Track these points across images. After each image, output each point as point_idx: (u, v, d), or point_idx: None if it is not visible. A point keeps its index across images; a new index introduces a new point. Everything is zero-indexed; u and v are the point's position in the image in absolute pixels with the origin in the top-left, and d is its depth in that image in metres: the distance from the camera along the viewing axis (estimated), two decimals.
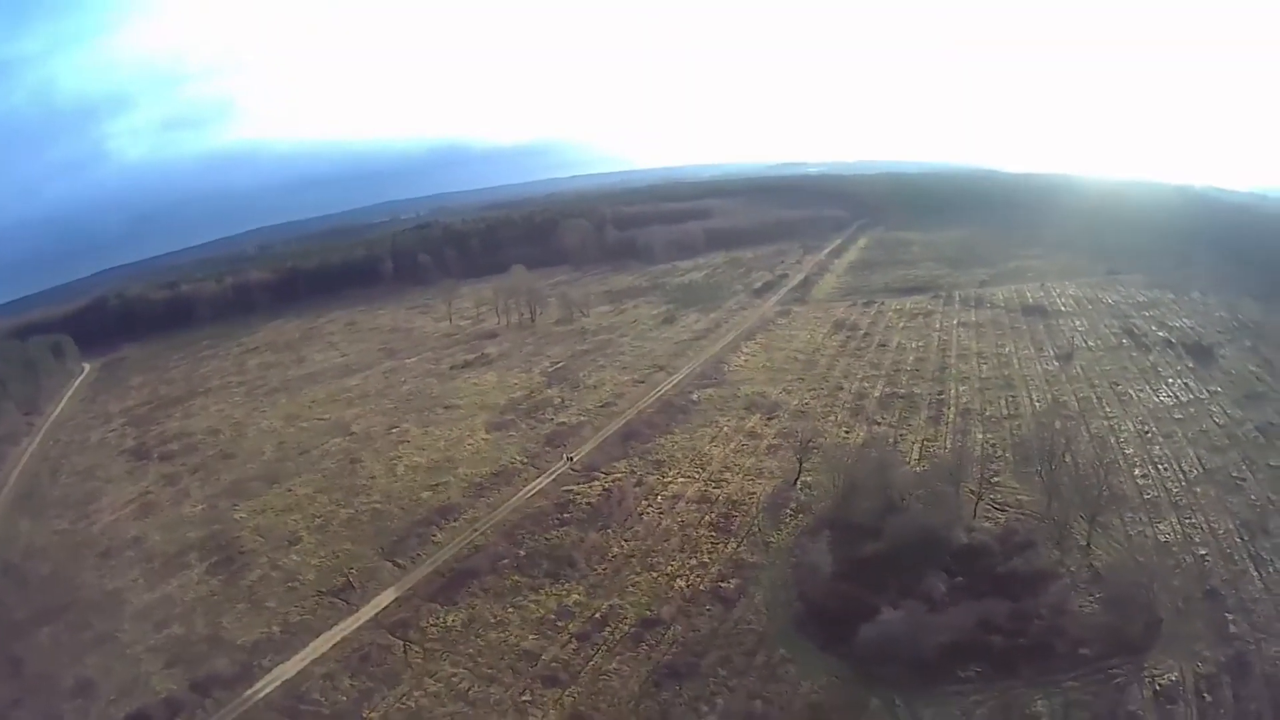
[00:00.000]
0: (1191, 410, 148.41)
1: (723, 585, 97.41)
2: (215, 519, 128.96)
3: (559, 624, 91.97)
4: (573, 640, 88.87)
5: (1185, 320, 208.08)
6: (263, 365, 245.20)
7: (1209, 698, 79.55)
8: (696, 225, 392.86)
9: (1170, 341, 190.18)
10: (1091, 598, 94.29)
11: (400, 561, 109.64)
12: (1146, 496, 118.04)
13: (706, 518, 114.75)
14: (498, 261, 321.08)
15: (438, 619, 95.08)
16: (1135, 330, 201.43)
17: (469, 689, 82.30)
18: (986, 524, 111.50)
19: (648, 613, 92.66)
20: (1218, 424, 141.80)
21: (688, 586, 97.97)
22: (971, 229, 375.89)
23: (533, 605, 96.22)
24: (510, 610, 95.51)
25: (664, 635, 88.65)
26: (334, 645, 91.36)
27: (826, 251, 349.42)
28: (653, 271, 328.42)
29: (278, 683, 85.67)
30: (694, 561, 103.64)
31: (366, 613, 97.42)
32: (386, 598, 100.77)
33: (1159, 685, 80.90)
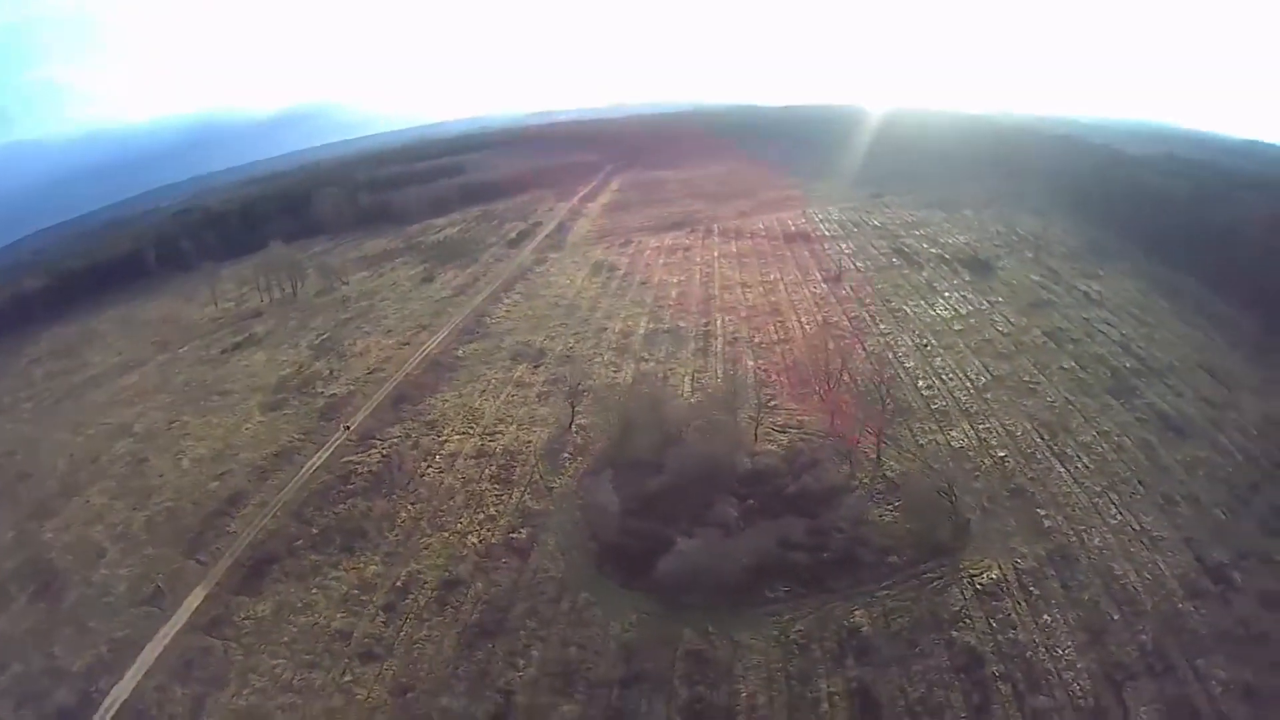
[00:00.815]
0: (972, 321, 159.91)
1: (514, 536, 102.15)
2: (26, 543, 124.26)
3: (363, 598, 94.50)
4: (380, 613, 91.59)
5: (959, 237, 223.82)
6: (48, 375, 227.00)
7: (1036, 590, 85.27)
8: (450, 182, 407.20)
9: (944, 257, 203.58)
10: (890, 507, 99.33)
11: (202, 558, 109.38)
12: (934, 406, 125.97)
13: (487, 471, 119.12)
14: (258, 239, 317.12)
15: (248, 611, 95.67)
16: (906, 249, 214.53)
17: (292, 678, 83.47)
18: (770, 446, 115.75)
19: (446, 574, 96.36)
20: (1002, 333, 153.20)
21: (480, 542, 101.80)
22: (730, 165, 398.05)
23: (334, 583, 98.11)
24: (315, 592, 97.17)
25: (467, 594, 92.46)
26: (158, 656, 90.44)
27: (580, 196, 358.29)
28: (408, 232, 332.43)
29: (116, 706, 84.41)
30: (481, 516, 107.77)
31: (181, 617, 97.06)
32: (196, 598, 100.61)
33: (980, 584, 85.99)
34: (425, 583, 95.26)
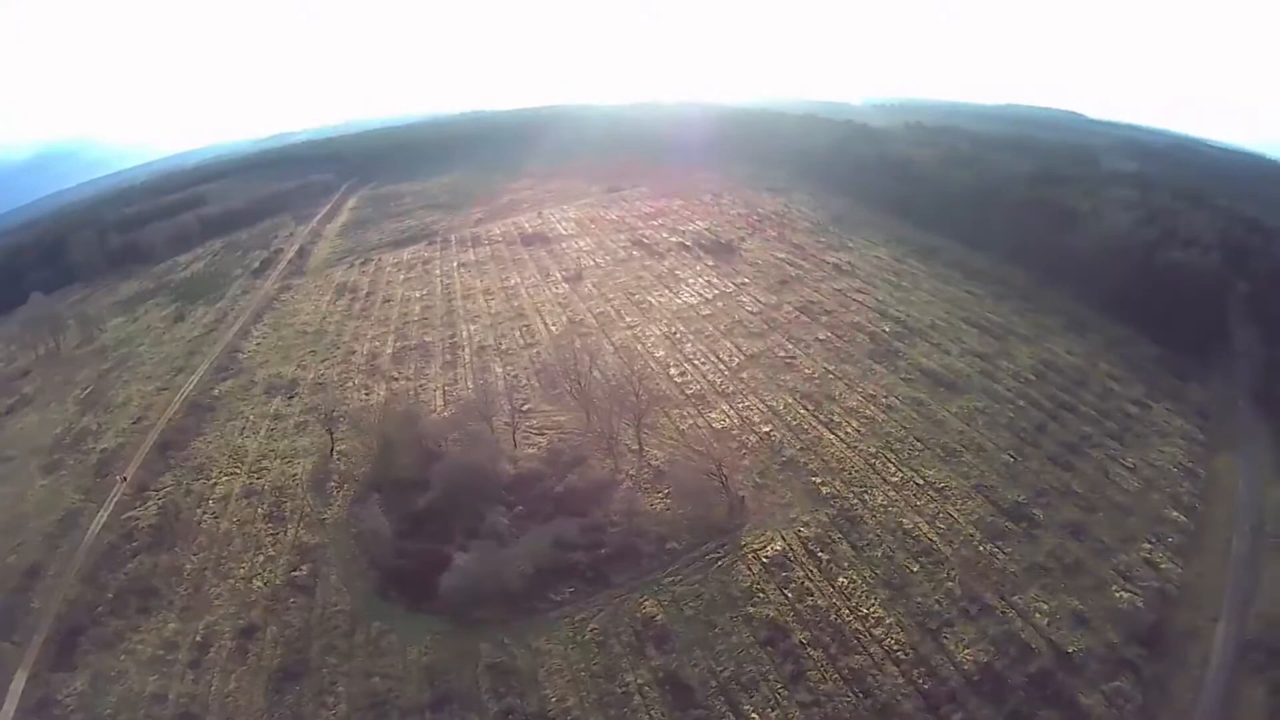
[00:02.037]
0: (720, 305, 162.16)
1: (296, 574, 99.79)
2: None
3: (169, 659, 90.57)
4: (188, 671, 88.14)
5: (699, 223, 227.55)
6: None
7: (824, 555, 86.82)
8: (191, 215, 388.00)
9: (685, 245, 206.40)
10: (661, 495, 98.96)
11: (16, 639, 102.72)
12: (690, 392, 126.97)
13: (259, 510, 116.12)
14: (19, 292, 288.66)
15: (68, 689, 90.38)
16: (645, 240, 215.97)
17: None
18: (530, 450, 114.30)
19: (240, 622, 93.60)
20: (751, 313, 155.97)
21: (265, 585, 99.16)
22: (462, 172, 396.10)
23: (140, 647, 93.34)
24: (123, 658, 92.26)
25: (264, 640, 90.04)
26: None
27: (318, 218, 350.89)
28: (156, 271, 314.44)
29: None
30: (261, 558, 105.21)
31: (10, 705, 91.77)
32: (19, 682, 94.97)
33: (765, 557, 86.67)
34: (223, 633, 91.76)
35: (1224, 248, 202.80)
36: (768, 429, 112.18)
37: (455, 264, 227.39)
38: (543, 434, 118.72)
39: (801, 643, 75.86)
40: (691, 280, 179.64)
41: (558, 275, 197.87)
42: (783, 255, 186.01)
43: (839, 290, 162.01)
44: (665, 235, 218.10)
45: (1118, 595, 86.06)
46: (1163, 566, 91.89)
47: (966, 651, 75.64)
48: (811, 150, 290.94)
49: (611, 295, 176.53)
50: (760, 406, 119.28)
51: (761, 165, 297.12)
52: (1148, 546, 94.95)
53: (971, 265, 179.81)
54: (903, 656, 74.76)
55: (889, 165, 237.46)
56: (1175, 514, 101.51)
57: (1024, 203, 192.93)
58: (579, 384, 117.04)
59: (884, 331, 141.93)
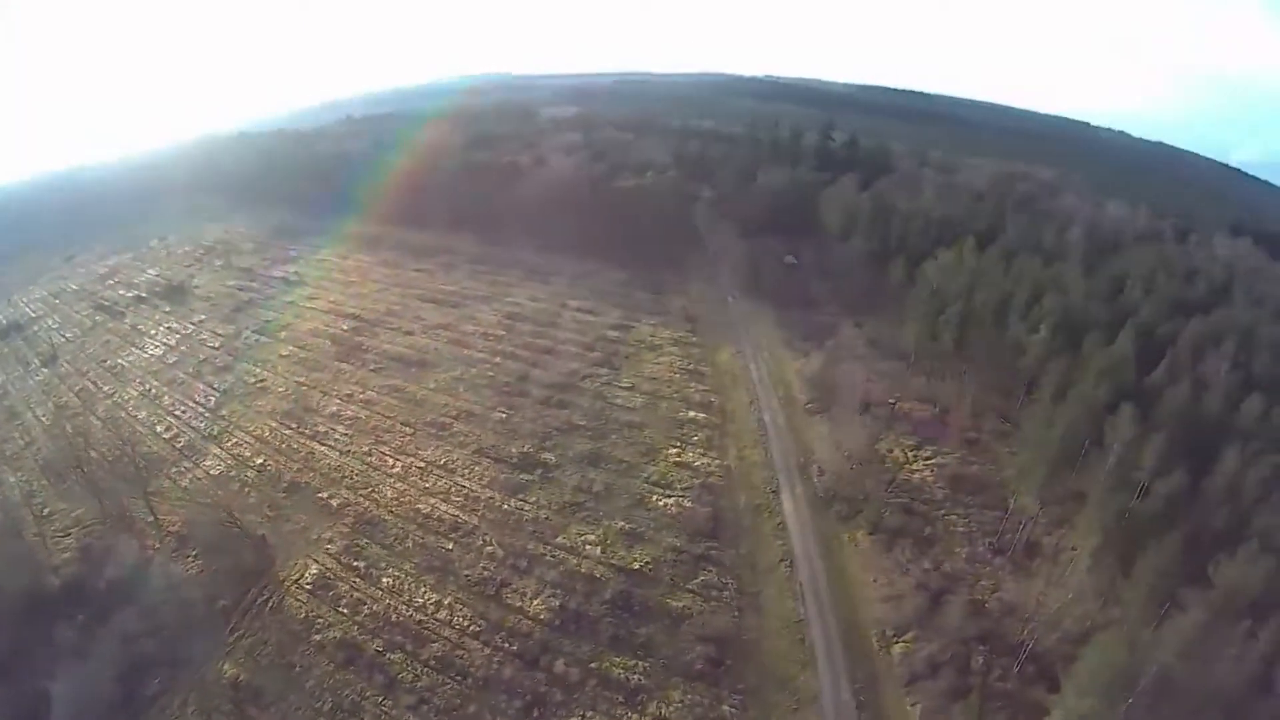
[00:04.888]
0: (184, 349, 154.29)
1: None
2: None
3: None
4: None
5: (150, 271, 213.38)
6: None
7: (360, 563, 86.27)
8: None
9: (142, 297, 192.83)
10: (190, 558, 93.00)
11: None
12: (180, 445, 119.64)
13: None
14: None
15: None
16: (105, 303, 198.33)
17: None
18: (66, 555, 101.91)
19: None
20: (215, 348, 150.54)
21: None
22: None
23: None
24: None
25: None
26: None
27: None
28: None
29: None
30: None
31: None
32: None
33: (307, 584, 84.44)
34: None
35: (681, 165, 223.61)
36: (261, 460, 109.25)
37: None
38: (68, 534, 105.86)
39: (378, 651, 74.92)
40: (153, 331, 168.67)
41: (35, 362, 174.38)
42: (233, 283, 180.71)
43: (291, 303, 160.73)
44: (122, 292, 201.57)
45: (662, 504, 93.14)
46: (697, 464, 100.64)
47: (535, 603, 78.45)
48: (245, 169, 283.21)
49: (87, 368, 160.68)
50: (248, 440, 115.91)
51: (202, 195, 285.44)
52: (674, 451, 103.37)
53: (416, 244, 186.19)
54: (477, 629, 76.15)
55: (322, 166, 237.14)
56: (693, 414, 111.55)
57: (462, 170, 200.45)
58: (82, 470, 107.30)
59: (343, 330, 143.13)
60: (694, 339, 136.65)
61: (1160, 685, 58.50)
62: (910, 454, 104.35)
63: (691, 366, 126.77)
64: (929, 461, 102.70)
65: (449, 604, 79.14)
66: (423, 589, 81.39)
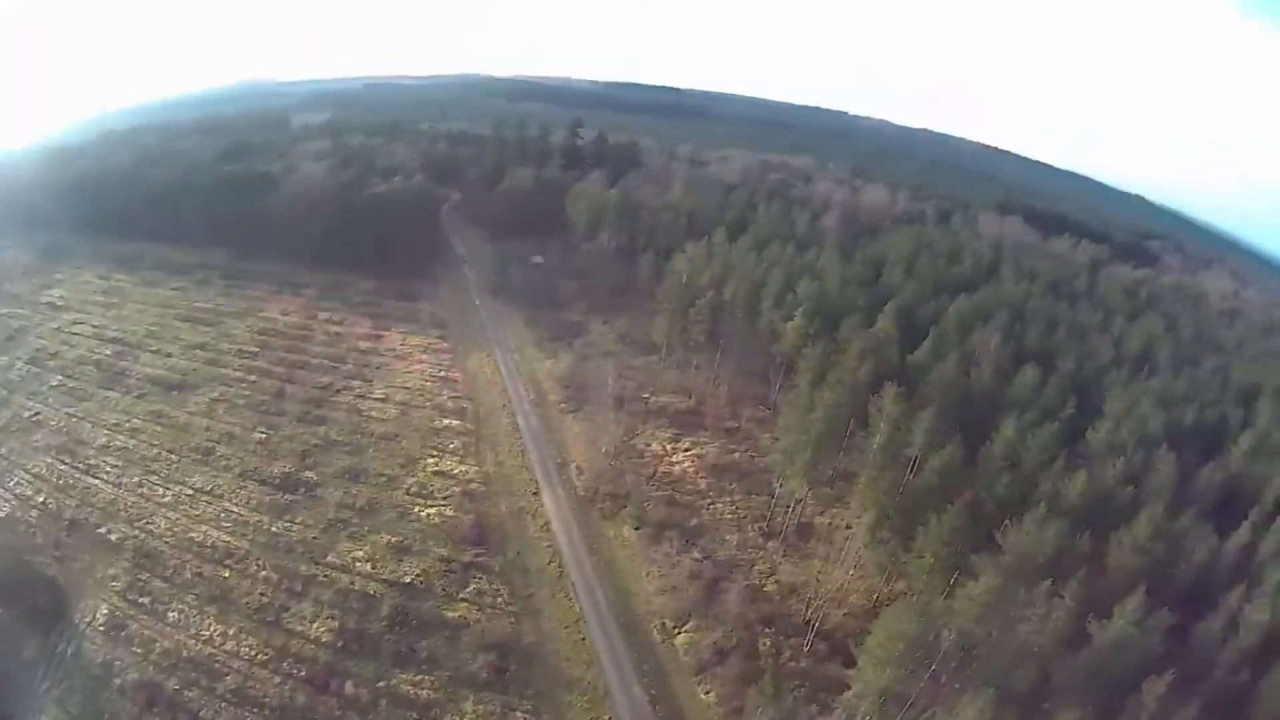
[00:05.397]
0: None
1: None
2: None
3: None
4: None
5: None
6: None
7: (145, 599, 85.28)
8: None
9: None
10: None
11: None
12: None
13: None
14: None
15: None
16: None
17: None
18: None
19: None
20: None
21: None
22: None
23: None
24: None
25: None
26: None
27: None
28: None
29: None
30: None
31: None
32: None
33: (101, 626, 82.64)
34: None
35: (428, 168, 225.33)
36: (42, 498, 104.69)
37: None
38: None
39: (176, 689, 75.09)
40: None
41: None
42: (4, 310, 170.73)
43: (58, 329, 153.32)
44: None
45: (425, 514, 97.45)
46: (456, 471, 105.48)
47: (316, 625, 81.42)
48: (9, 189, 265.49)
49: None
50: (26, 477, 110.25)
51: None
52: (432, 460, 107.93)
53: (173, 261, 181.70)
54: (265, 657, 78.13)
55: (82, 183, 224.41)
56: (448, 421, 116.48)
57: (215, 183, 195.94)
58: None
59: (107, 355, 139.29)
60: (444, 345, 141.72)
61: (964, 650, 64.28)
62: (669, 446, 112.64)
63: (443, 373, 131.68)
64: (689, 453, 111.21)
65: (234, 634, 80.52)
66: (207, 620, 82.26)
